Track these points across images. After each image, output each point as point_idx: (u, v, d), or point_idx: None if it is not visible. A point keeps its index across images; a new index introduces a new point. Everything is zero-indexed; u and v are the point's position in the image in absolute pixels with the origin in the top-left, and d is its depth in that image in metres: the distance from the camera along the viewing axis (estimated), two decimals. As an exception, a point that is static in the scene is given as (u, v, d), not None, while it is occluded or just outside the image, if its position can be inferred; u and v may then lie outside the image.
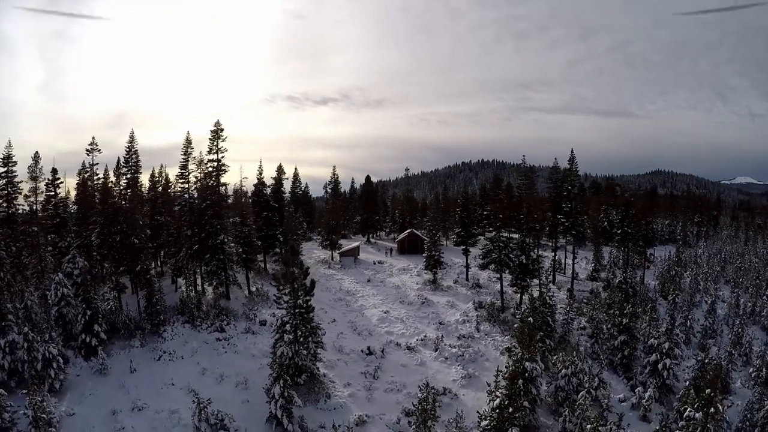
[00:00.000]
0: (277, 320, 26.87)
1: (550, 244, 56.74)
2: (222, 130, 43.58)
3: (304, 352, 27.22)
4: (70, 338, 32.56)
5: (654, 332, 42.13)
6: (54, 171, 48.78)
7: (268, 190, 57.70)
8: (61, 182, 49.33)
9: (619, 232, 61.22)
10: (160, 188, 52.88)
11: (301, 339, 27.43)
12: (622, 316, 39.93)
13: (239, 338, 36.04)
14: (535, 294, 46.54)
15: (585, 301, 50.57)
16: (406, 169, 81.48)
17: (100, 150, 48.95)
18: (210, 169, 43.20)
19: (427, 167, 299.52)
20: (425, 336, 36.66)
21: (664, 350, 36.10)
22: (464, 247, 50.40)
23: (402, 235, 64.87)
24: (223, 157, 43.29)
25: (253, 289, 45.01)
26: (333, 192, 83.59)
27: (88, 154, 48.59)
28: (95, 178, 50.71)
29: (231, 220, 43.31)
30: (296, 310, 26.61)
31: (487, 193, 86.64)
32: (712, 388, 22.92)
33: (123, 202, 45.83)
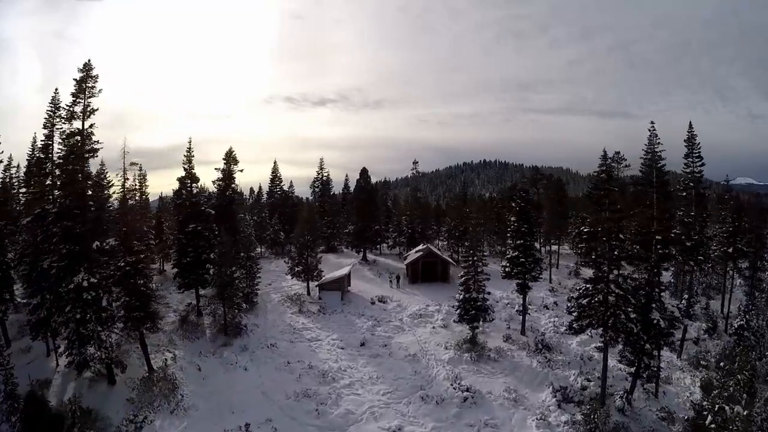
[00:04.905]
0: None
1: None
2: (93, 77, 23.95)
3: None
4: None
5: None
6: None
7: (214, 188, 38.06)
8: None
9: (730, 250, 41.68)
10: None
11: None
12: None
13: None
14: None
15: (702, 361, 31.76)
16: (414, 162, 60.49)
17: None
18: (71, 147, 23.50)
19: (427, 168, 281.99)
20: (484, 503, 16.83)
21: None
22: (521, 280, 30.37)
23: (413, 255, 44.72)
24: (92, 126, 23.66)
25: (159, 363, 25.30)
26: (321, 193, 63.51)
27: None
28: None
29: (108, 242, 23.29)
30: None
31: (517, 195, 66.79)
32: None
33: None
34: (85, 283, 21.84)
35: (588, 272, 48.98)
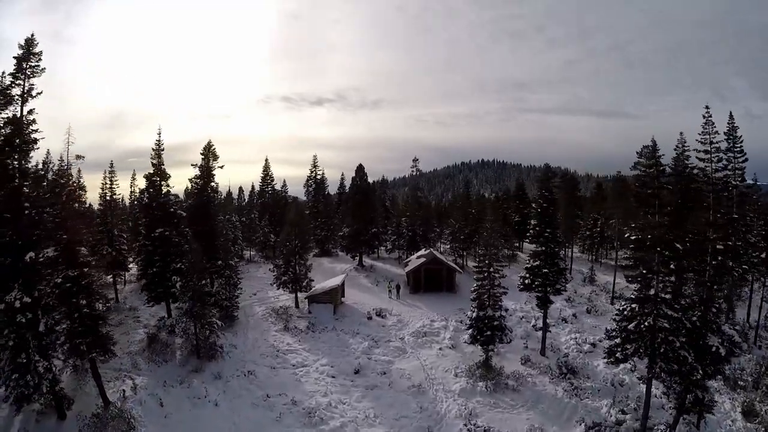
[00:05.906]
0: None
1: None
2: (35, 54, 20.13)
3: None
4: None
5: None
6: None
7: (193, 183, 33.90)
8: None
9: (763, 255, 37.70)
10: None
11: None
12: None
13: None
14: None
15: (739, 381, 27.73)
16: (414, 160, 56.17)
17: None
18: (7, 137, 19.48)
19: (425, 168, 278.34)
20: None
21: None
22: (542, 294, 26.38)
23: (415, 261, 40.75)
24: (31, 112, 19.68)
25: (116, 395, 21.23)
26: (315, 192, 59.77)
27: None
28: None
29: (45, 253, 19.16)
30: None
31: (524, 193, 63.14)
32: None
33: None
34: (17, 304, 17.74)
35: (604, 278, 45.34)
